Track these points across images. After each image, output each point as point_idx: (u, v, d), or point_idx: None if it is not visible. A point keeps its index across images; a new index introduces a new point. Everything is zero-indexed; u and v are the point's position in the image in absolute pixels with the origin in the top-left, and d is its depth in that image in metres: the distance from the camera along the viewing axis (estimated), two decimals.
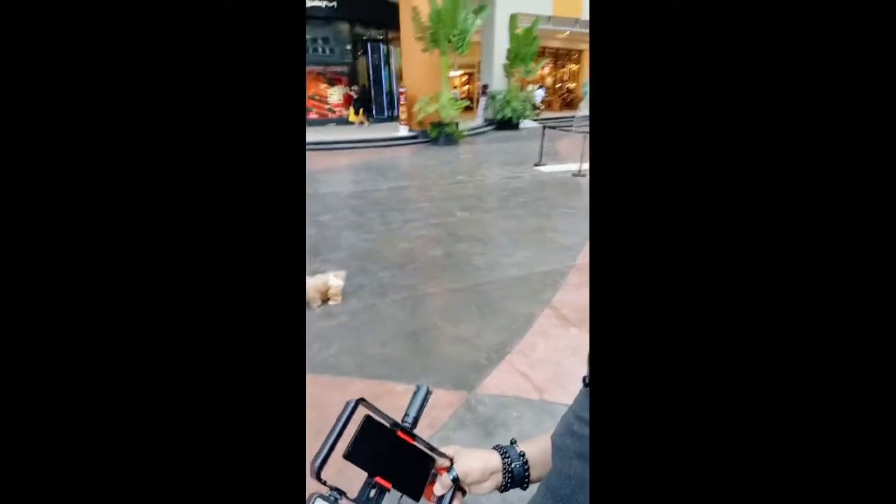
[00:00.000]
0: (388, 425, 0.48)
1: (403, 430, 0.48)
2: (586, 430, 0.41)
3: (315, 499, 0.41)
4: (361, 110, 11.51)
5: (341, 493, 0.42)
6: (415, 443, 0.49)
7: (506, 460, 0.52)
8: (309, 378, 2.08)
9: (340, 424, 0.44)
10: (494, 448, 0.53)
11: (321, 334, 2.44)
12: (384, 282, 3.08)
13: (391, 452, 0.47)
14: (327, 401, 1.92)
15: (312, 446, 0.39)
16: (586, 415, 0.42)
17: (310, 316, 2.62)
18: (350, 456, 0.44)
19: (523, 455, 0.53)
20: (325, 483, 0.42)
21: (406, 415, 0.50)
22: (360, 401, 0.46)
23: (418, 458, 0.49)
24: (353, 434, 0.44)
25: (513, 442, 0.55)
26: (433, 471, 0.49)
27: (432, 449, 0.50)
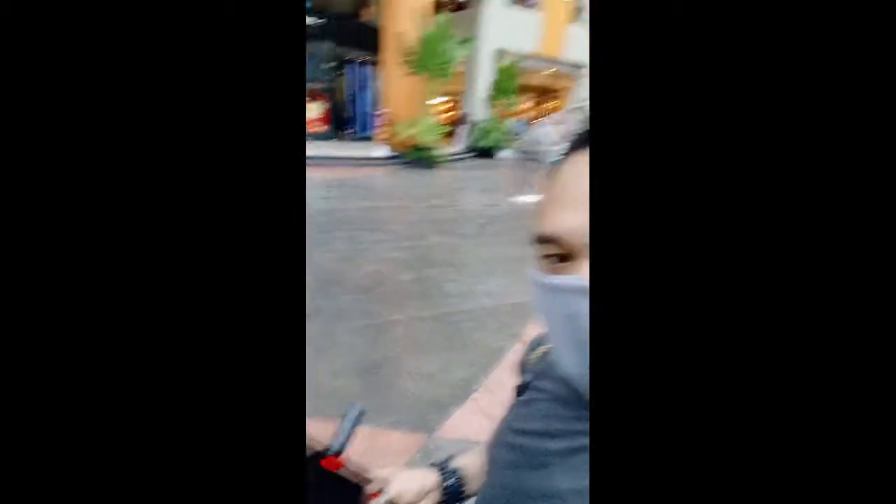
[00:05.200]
0: (309, 455, 0.45)
1: (327, 457, 0.46)
2: (519, 440, 0.42)
3: None
4: None
5: None
6: (340, 471, 0.46)
7: (444, 475, 0.51)
8: None
9: None
10: (432, 465, 0.52)
11: None
12: (345, 306, 2.85)
13: (315, 485, 0.44)
14: None
15: None
16: (518, 425, 0.43)
17: None
18: None
19: (459, 470, 0.53)
20: None
21: (332, 441, 0.48)
22: None
23: (344, 488, 0.46)
24: None
25: (449, 458, 0.54)
26: (363, 498, 0.47)
27: (361, 474, 0.47)
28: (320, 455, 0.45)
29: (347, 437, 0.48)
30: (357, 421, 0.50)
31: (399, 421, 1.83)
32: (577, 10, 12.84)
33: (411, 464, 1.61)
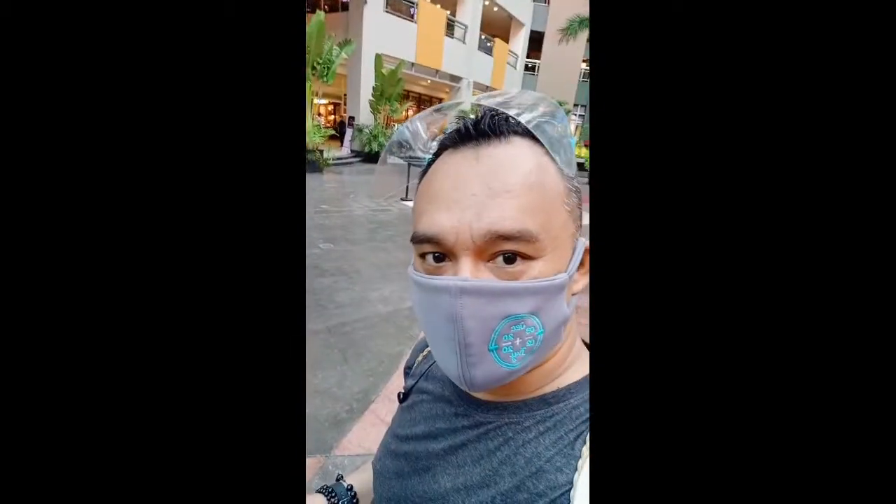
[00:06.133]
0: None
1: None
2: (403, 448, 0.41)
3: None
4: None
5: None
6: None
7: (332, 500, 0.48)
8: None
9: None
10: (319, 491, 0.49)
11: None
12: None
13: None
14: None
15: None
16: (402, 431, 0.43)
17: None
18: None
19: (351, 489, 0.50)
20: None
21: None
22: None
23: None
24: None
25: (339, 478, 0.52)
26: None
27: None
28: None
29: None
30: None
31: None
32: (451, 26, 13.54)
33: (307, 489, 1.50)
